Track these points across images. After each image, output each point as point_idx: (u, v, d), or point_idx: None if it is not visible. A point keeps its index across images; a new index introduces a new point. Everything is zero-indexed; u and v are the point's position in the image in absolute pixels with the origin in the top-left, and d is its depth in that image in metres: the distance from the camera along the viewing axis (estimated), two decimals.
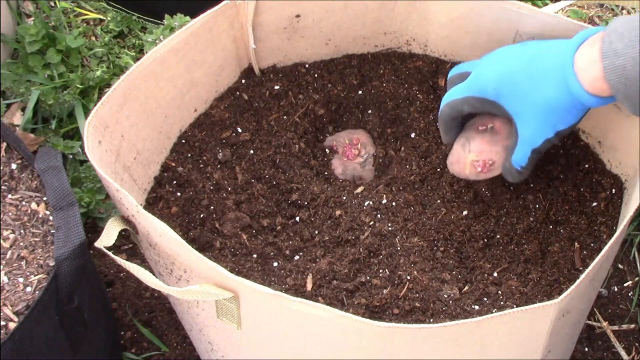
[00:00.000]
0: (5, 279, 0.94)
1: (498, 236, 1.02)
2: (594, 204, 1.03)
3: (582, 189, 1.05)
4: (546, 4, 1.62)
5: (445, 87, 1.14)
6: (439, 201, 1.05)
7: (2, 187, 1.02)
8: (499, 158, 1.00)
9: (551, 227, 1.03)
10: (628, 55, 0.79)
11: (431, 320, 0.92)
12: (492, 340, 0.82)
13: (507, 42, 1.06)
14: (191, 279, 0.88)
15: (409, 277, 0.96)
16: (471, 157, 1.00)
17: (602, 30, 0.84)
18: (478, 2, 1.05)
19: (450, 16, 1.09)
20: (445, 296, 0.94)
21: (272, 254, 1.01)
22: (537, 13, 1.01)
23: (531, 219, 1.03)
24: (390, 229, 1.02)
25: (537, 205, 1.04)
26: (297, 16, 1.11)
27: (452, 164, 1.03)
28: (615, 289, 1.32)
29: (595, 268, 0.83)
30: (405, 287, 0.95)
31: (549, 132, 0.91)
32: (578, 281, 0.79)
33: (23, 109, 1.42)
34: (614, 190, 1.03)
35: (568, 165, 1.07)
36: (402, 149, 1.12)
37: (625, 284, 1.32)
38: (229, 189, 1.06)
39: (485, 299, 0.95)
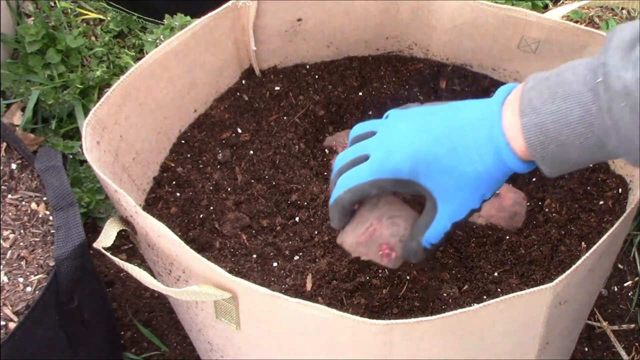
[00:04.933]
0: (5, 279, 0.94)
1: (507, 237, 1.02)
2: (601, 202, 1.03)
3: (588, 187, 1.05)
4: (546, 5, 1.62)
5: (446, 90, 1.14)
6: None
7: (2, 187, 1.02)
8: (398, 248, 0.93)
9: (562, 224, 1.03)
10: (547, 111, 0.75)
11: None
12: (490, 330, 0.82)
13: (511, 47, 1.05)
14: (190, 280, 0.88)
15: (408, 277, 0.96)
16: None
17: (517, 87, 0.81)
18: (484, 9, 1.05)
19: (454, 23, 1.09)
20: (445, 295, 0.94)
21: (271, 254, 1.01)
22: (544, 19, 1.01)
23: (542, 217, 1.03)
24: None
25: (547, 202, 1.04)
26: (299, 20, 1.11)
27: (359, 244, 0.94)
28: (615, 289, 1.32)
29: (594, 256, 0.83)
30: (405, 287, 0.95)
31: (476, 203, 0.87)
32: (575, 266, 0.79)
33: (23, 109, 1.42)
34: (620, 190, 1.03)
35: None
36: None
37: (625, 284, 1.32)
38: (229, 189, 1.06)
39: (485, 297, 0.95)
